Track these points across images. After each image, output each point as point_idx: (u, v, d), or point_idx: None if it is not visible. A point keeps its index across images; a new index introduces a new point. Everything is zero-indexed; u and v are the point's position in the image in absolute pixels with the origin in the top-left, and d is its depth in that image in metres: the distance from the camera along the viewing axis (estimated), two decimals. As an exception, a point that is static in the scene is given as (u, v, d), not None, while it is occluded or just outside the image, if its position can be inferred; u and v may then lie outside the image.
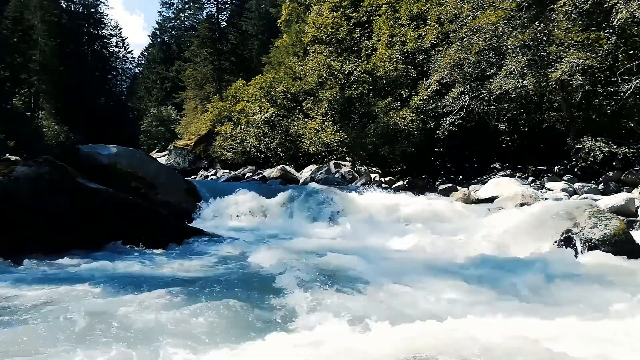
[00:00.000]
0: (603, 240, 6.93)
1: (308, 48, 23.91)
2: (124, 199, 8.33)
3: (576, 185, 12.54)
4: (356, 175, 18.25)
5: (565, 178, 13.42)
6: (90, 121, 39.18)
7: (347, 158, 20.24)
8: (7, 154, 12.08)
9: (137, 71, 61.66)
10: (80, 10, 51.17)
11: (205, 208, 11.79)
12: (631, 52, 12.52)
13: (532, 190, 11.79)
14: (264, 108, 24.97)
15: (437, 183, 15.93)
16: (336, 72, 19.25)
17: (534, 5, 14.06)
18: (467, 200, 12.72)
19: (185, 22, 56.94)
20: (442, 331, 3.79)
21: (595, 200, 10.32)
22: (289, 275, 5.79)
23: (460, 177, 16.49)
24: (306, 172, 20.63)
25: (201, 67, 39.22)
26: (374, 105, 18.43)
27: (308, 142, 20.91)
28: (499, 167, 15.99)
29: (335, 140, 19.36)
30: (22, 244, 6.76)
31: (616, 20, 11.70)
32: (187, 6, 55.78)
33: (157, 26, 58.64)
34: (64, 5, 47.90)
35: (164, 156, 35.05)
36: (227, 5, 48.62)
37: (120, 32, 58.20)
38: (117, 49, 57.55)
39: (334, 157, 20.87)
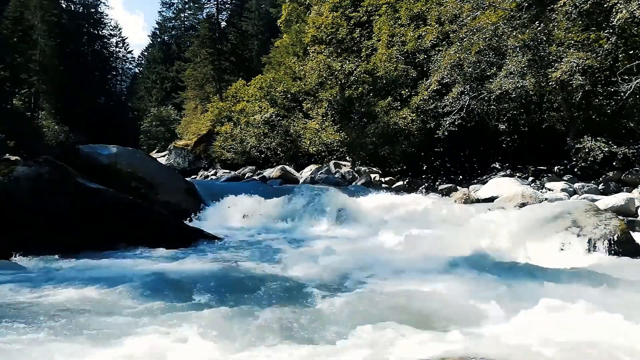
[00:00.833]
0: (603, 240, 6.93)
1: (308, 48, 23.92)
2: (124, 199, 8.33)
3: (576, 185, 12.54)
4: (356, 175, 18.25)
5: (565, 178, 13.42)
6: (90, 121, 39.20)
7: (347, 158, 20.24)
8: (7, 154, 12.08)
9: (137, 71, 61.69)
10: (80, 10, 51.17)
11: (205, 208, 11.79)
12: (631, 52, 12.51)
13: (532, 190, 11.79)
14: (264, 108, 24.98)
15: (437, 183, 15.93)
16: (336, 72, 19.25)
17: (534, 5, 14.06)
18: (467, 200, 12.72)
19: (185, 22, 56.95)
20: (465, 334, 3.79)
21: (595, 200, 10.32)
22: (289, 276, 5.79)
23: (460, 177, 16.49)
24: (306, 172, 20.63)
25: (201, 67, 39.22)
26: (374, 105, 18.43)
27: (308, 142, 20.91)
28: (499, 167, 15.99)
29: (335, 140, 19.37)
30: (22, 244, 6.76)
31: (616, 20, 11.69)
32: (187, 6, 55.80)
33: (157, 26, 58.71)
34: (64, 5, 47.90)
35: (164, 156, 35.06)
36: (227, 5, 48.65)
37: (120, 32, 58.26)
38: (117, 49, 57.60)
39: (334, 157, 20.87)
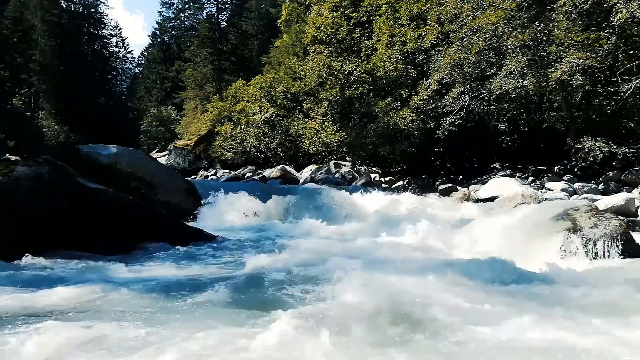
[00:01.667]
0: (603, 240, 6.92)
1: (308, 48, 23.93)
2: (124, 199, 8.32)
3: (576, 185, 12.53)
4: (356, 175, 18.25)
5: (565, 178, 13.42)
6: (90, 121, 39.22)
7: (347, 158, 20.24)
8: (7, 154, 12.08)
9: (137, 71, 61.75)
10: (80, 10, 51.21)
11: (206, 208, 11.78)
12: (631, 52, 12.52)
13: (532, 190, 11.78)
14: (264, 108, 25.00)
15: (437, 183, 15.93)
16: (336, 72, 19.26)
17: (534, 5, 14.06)
18: (467, 200, 12.72)
19: (185, 22, 57.00)
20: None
21: (595, 200, 10.32)
22: (289, 276, 5.79)
23: (460, 177, 16.49)
24: (306, 172, 20.64)
25: (201, 67, 39.24)
26: (374, 105, 18.43)
27: (308, 142, 20.92)
28: (499, 167, 15.99)
29: (335, 140, 19.37)
30: (22, 244, 6.76)
31: (616, 20, 11.69)
32: (187, 6, 55.86)
33: (157, 26, 58.81)
34: (64, 5, 47.95)
35: (164, 156, 35.08)
36: (227, 5, 48.73)
37: (120, 32, 58.32)
38: (117, 49, 57.66)
39: (334, 157, 20.88)
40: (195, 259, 7.18)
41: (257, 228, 10.67)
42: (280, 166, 21.95)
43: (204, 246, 8.21)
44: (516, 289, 5.40)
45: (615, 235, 6.96)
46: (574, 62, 12.48)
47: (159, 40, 57.67)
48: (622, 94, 12.29)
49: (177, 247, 7.90)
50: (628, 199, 10.09)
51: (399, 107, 18.15)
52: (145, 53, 59.64)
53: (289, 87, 23.65)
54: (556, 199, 11.07)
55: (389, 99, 18.34)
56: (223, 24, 45.37)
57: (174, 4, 56.18)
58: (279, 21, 33.22)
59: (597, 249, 6.90)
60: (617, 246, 6.86)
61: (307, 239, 9.12)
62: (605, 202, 10.09)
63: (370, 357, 3.54)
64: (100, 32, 53.38)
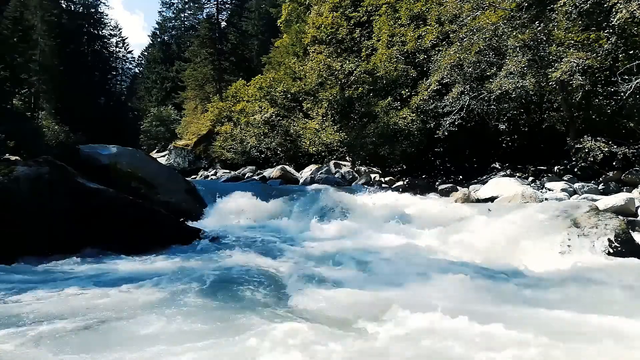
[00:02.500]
0: (603, 240, 6.92)
1: (308, 48, 23.92)
2: (124, 199, 8.32)
3: (576, 185, 12.53)
4: (356, 175, 18.25)
5: (565, 178, 13.41)
6: (90, 121, 39.16)
7: (347, 158, 20.24)
8: (7, 154, 12.08)
9: (137, 71, 61.75)
10: (80, 10, 51.16)
11: (206, 208, 11.78)
12: (631, 52, 12.51)
13: (532, 190, 11.78)
14: (264, 108, 24.99)
15: (437, 183, 15.92)
16: (336, 72, 19.26)
17: (534, 5, 14.05)
18: (467, 200, 12.71)
19: (185, 22, 56.96)
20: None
21: (595, 200, 10.31)
22: (289, 275, 5.79)
23: (460, 177, 16.49)
24: (306, 172, 20.64)
25: (201, 67, 39.24)
26: (374, 105, 18.43)
27: (308, 142, 20.91)
28: (499, 167, 15.98)
29: (335, 140, 19.37)
30: (21, 244, 6.76)
31: (616, 20, 11.69)
32: (187, 6, 55.83)
33: (157, 26, 58.71)
34: (64, 5, 47.88)
35: (164, 156, 35.10)
36: (227, 5, 48.65)
37: (120, 32, 58.31)
38: (117, 49, 57.59)
39: (334, 157, 20.87)
40: (195, 259, 7.18)
41: (256, 227, 10.66)
42: (280, 166, 21.95)
43: (204, 245, 8.22)
44: (516, 288, 5.41)
45: (615, 235, 6.96)
46: (574, 62, 12.48)
47: (159, 40, 57.62)
48: (622, 94, 12.29)
49: (177, 246, 7.91)
50: (628, 199, 10.08)
51: (399, 107, 18.15)
52: (145, 53, 59.63)
53: (289, 87, 23.65)
54: (556, 199, 11.07)
55: (389, 99, 18.34)
56: (223, 24, 45.38)
57: (174, 4, 56.22)
58: (279, 21, 33.20)
59: (597, 248, 6.91)
60: (617, 246, 6.87)
61: (307, 238, 9.12)
62: (605, 202, 10.09)
63: (371, 357, 3.54)
64: (100, 32, 53.34)
